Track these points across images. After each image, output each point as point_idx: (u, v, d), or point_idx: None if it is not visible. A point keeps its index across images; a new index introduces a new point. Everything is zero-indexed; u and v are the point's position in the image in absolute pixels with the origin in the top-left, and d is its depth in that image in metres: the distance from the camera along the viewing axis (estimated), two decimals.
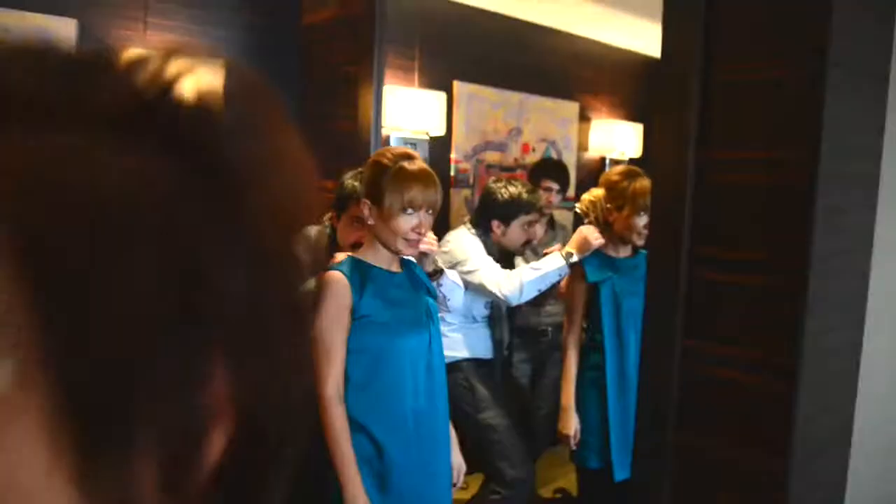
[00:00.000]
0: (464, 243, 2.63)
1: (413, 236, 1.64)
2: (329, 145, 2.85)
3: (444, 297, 2.12)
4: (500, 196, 2.67)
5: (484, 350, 2.68)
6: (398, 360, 1.63)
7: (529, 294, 2.49)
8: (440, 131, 3.46)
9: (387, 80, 3.20)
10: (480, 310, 2.68)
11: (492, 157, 3.91)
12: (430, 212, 1.65)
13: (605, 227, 2.34)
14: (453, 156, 3.72)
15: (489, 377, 2.66)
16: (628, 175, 2.28)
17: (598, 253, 2.35)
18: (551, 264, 2.47)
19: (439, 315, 1.87)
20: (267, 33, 2.96)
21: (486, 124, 3.85)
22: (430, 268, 1.95)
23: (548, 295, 2.73)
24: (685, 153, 1.49)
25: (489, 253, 2.63)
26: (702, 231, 1.50)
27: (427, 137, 3.47)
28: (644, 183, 2.19)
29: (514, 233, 2.70)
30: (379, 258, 1.69)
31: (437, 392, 1.72)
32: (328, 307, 1.59)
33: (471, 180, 3.81)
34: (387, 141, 3.32)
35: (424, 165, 1.68)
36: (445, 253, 2.62)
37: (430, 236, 1.84)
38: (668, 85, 1.57)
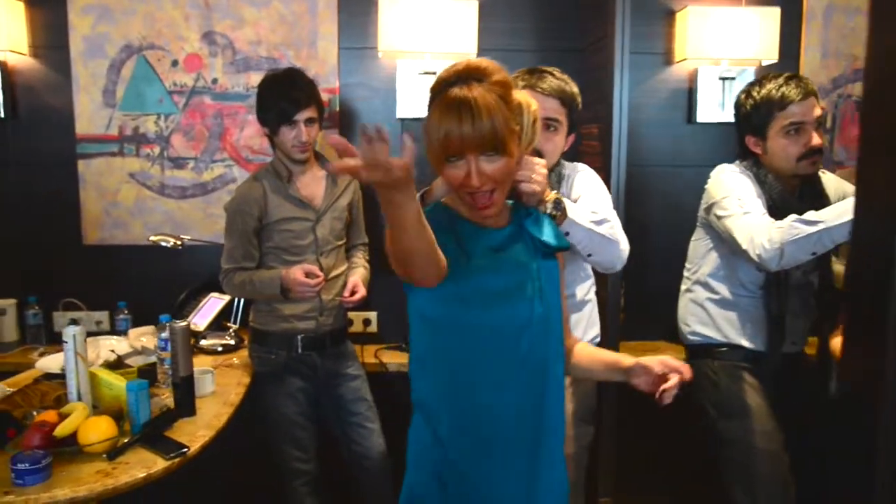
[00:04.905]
0: (725, 178, 1.90)
1: (467, 196, 1.16)
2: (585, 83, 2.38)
3: (586, 252, 1.59)
4: (743, 103, 1.90)
5: (752, 335, 1.90)
6: (472, 338, 1.19)
7: (795, 257, 1.66)
8: (771, 58, 2.61)
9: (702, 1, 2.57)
10: (749, 273, 1.89)
11: None
12: (492, 155, 1.12)
13: None
14: None
15: (759, 377, 1.89)
16: None
17: None
18: (840, 213, 1.60)
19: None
20: None
21: (855, 45, 2.79)
22: (547, 208, 1.40)
23: None
24: None
25: (770, 196, 1.84)
26: None
27: (754, 67, 2.67)
28: None
29: (777, 146, 1.84)
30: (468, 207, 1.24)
31: (542, 392, 1.22)
32: None
33: (829, 124, 2.82)
34: (693, 77, 2.65)
35: (484, 91, 1.10)
36: (705, 192, 1.97)
37: (536, 165, 1.33)
38: None
